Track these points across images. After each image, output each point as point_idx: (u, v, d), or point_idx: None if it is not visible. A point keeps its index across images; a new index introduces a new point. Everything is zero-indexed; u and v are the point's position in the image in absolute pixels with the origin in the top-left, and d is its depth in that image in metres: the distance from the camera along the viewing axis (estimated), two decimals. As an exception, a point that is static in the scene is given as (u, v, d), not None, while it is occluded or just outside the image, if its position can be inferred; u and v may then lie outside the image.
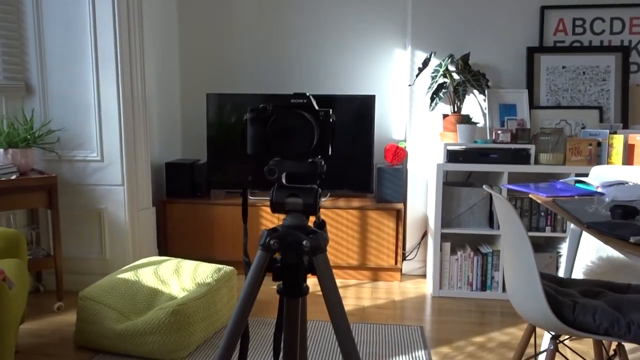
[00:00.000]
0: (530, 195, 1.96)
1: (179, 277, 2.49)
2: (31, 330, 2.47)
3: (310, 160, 0.85)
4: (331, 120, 0.86)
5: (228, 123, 3.46)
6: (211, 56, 3.71)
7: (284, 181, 0.87)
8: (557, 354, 1.77)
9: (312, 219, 0.97)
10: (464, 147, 2.98)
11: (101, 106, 2.88)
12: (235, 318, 0.89)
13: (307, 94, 0.85)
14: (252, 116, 0.85)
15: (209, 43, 3.70)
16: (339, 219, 3.27)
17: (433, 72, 3.11)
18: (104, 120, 2.89)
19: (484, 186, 1.62)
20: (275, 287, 3.02)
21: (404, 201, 3.43)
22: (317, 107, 0.85)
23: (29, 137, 2.69)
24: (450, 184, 3.15)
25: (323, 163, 0.86)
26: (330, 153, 0.87)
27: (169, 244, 3.39)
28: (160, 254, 3.37)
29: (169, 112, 3.66)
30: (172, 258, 2.68)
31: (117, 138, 2.90)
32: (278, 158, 0.85)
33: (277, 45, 3.64)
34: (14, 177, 2.52)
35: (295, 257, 0.89)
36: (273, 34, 3.64)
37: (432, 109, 3.10)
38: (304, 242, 0.87)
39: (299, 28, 3.61)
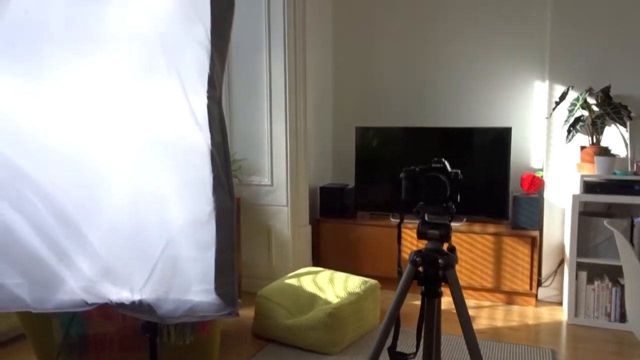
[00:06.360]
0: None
1: (332, 286, 2.98)
2: (220, 319, 3.15)
3: (445, 205, 1.24)
4: (459, 177, 1.24)
5: (374, 153, 3.93)
6: (360, 92, 4.23)
7: (426, 218, 1.26)
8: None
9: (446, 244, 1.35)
10: (601, 178, 3.05)
11: (272, 141, 3.54)
12: (391, 310, 1.30)
13: (443, 160, 1.24)
14: (405, 175, 1.26)
15: (358, 81, 4.23)
16: (474, 243, 3.52)
17: (570, 106, 3.24)
18: (274, 152, 3.54)
19: (605, 222, 1.83)
20: (419, 296, 3.37)
21: (540, 229, 3.56)
22: (449, 170, 1.23)
23: (220, 166, 3.43)
24: (588, 214, 3.22)
25: (454, 207, 1.24)
26: (459, 201, 1.24)
27: (322, 257, 3.94)
28: (314, 265, 3.93)
29: (323, 142, 4.25)
30: (326, 269, 3.19)
31: (283, 167, 3.53)
32: (422, 203, 1.25)
33: (420, 81, 4.04)
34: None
35: (433, 269, 1.28)
36: (416, 71, 4.04)
37: (569, 141, 3.23)
38: (439, 260, 1.26)
39: (441, 64, 3.97)
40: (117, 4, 1.11)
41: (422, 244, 1.32)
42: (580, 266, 3.12)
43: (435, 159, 1.26)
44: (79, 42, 1.12)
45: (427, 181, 1.21)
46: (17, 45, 1.12)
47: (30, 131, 1.16)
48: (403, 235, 3.62)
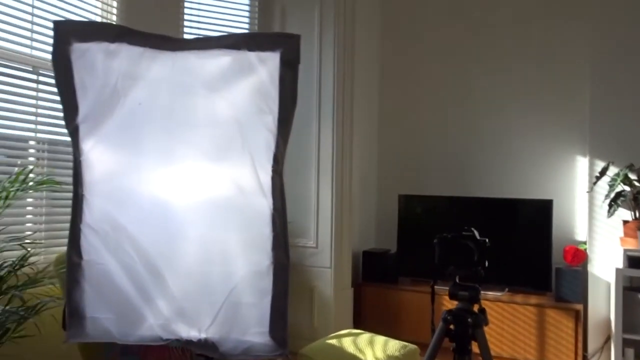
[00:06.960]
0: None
1: (372, 349, 3.06)
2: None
3: (473, 269, 1.39)
4: (487, 245, 1.40)
5: (416, 220, 4.07)
6: (404, 161, 4.45)
7: (457, 280, 1.41)
8: None
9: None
10: (645, 254, 3.06)
11: (319, 205, 3.76)
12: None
13: (472, 229, 1.40)
14: (437, 241, 1.43)
15: (402, 151, 4.46)
16: (516, 313, 3.52)
17: (611, 181, 3.32)
18: (320, 215, 3.75)
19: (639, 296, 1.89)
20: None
21: (585, 302, 3.53)
22: (478, 237, 1.39)
23: (270, 227, 3.67)
24: (635, 289, 3.19)
25: (482, 271, 1.39)
26: (486, 265, 1.39)
27: (362, 319, 4.02)
28: (354, 327, 4.01)
29: (367, 208, 4.44)
30: (366, 332, 3.28)
31: (328, 230, 3.72)
32: (453, 267, 1.41)
33: (463, 153, 4.22)
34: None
35: (463, 328, 1.41)
36: (460, 143, 4.24)
37: (610, 215, 3.28)
38: (468, 320, 1.39)
39: (485, 137, 4.15)
40: (205, 96, 1.40)
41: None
42: (627, 343, 3.07)
43: (466, 227, 1.43)
44: (173, 126, 1.40)
45: (457, 247, 1.37)
46: (128, 128, 1.42)
47: (128, 193, 1.43)
48: (441, 299, 3.68)
